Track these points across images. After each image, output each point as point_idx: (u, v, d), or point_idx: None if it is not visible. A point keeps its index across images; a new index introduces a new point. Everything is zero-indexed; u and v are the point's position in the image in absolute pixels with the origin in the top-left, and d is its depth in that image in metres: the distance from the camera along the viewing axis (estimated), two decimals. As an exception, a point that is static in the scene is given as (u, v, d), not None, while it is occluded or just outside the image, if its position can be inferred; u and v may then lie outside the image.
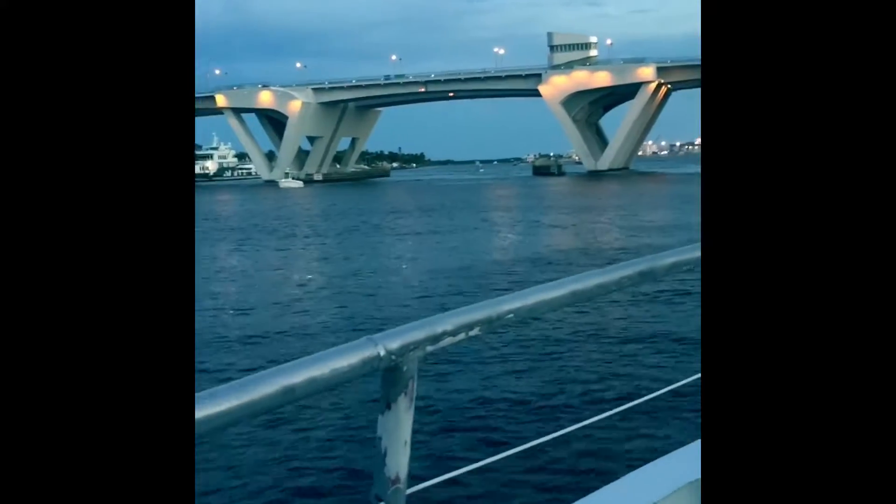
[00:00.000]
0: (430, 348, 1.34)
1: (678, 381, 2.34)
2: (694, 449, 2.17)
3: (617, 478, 2.11)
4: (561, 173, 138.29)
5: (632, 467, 2.16)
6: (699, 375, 1.71)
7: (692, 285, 16.81)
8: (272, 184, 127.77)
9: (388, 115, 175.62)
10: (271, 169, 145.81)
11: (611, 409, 2.13)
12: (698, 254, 1.77)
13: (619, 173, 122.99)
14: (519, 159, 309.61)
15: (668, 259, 1.79)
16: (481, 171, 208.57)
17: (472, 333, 1.39)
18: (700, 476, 1.92)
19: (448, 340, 1.36)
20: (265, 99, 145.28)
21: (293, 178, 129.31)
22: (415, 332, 1.32)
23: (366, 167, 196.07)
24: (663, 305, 17.67)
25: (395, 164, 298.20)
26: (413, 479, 1.41)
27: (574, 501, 1.95)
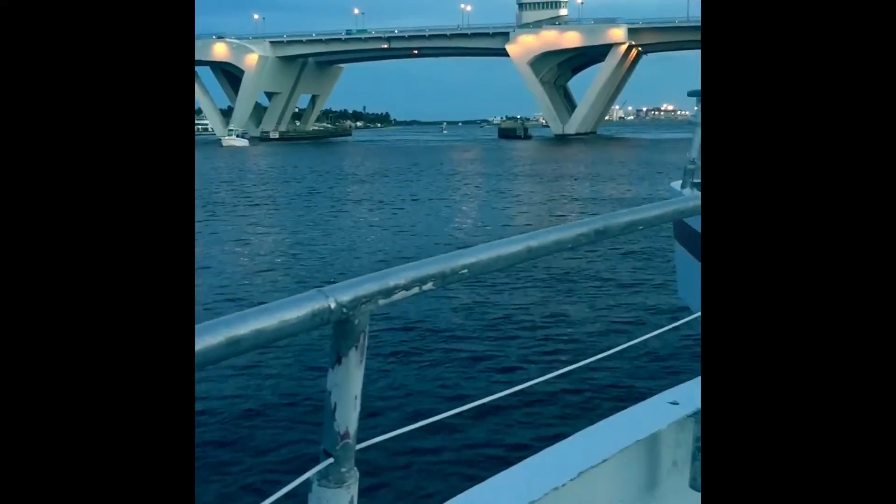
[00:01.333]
0: (382, 302, 1.31)
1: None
2: (690, 387, 2.32)
3: (611, 414, 2.22)
4: (527, 136, 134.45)
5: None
6: (696, 315, 1.84)
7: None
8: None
9: (350, 73, 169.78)
10: (226, 125, 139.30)
11: (608, 350, 2.13)
12: (653, 213, 1.88)
13: (587, 138, 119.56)
14: (486, 121, 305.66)
15: (623, 218, 1.82)
16: (445, 132, 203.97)
17: (425, 288, 1.38)
18: (688, 413, 2.17)
19: (401, 294, 1.34)
20: (220, 51, 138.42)
21: (238, 136, 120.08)
22: (367, 285, 1.30)
23: (328, 126, 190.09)
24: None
25: (358, 124, 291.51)
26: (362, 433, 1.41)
27: (571, 434, 2.08)
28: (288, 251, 21.49)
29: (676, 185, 9.73)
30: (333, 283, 1.24)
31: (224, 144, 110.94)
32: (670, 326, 2.46)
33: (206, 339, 1.10)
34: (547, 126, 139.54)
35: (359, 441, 1.39)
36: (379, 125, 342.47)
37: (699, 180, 8.48)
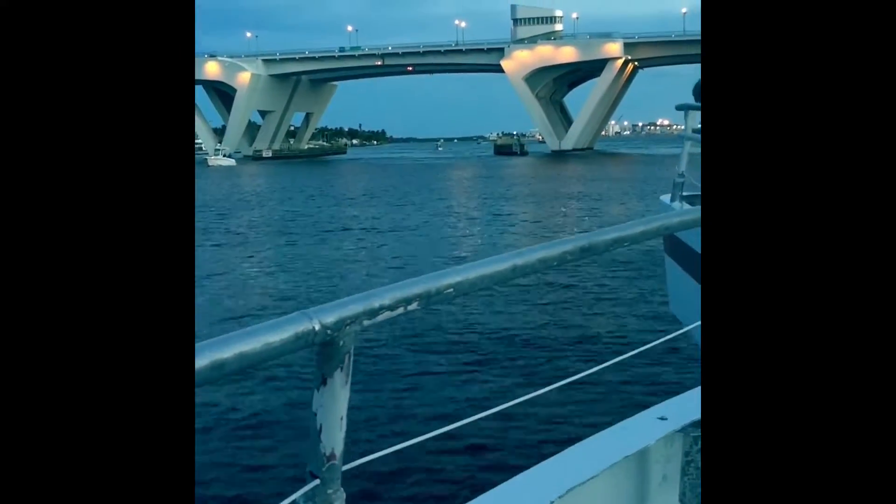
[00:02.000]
0: (366, 322, 1.30)
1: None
2: (689, 398, 2.31)
3: (600, 430, 2.21)
4: (523, 153, 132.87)
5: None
6: (686, 329, 1.91)
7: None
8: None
9: (345, 90, 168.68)
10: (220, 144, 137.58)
11: (603, 363, 2.12)
12: (639, 229, 1.85)
13: (584, 153, 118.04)
14: (482, 137, 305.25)
15: (609, 235, 1.80)
16: (440, 149, 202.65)
17: (410, 308, 1.37)
18: (677, 428, 2.16)
19: (385, 315, 1.33)
20: (212, 70, 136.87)
21: (224, 155, 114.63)
22: (351, 306, 1.29)
23: (323, 144, 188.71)
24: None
25: (354, 142, 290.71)
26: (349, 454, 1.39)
27: (568, 447, 2.09)
28: (242, 293, 19.40)
29: (666, 198, 8.69)
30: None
31: (210, 164, 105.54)
32: (661, 340, 2.39)
33: None
34: (543, 142, 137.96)
35: (345, 462, 1.38)
36: (375, 143, 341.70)
37: (688, 193, 7.79)
